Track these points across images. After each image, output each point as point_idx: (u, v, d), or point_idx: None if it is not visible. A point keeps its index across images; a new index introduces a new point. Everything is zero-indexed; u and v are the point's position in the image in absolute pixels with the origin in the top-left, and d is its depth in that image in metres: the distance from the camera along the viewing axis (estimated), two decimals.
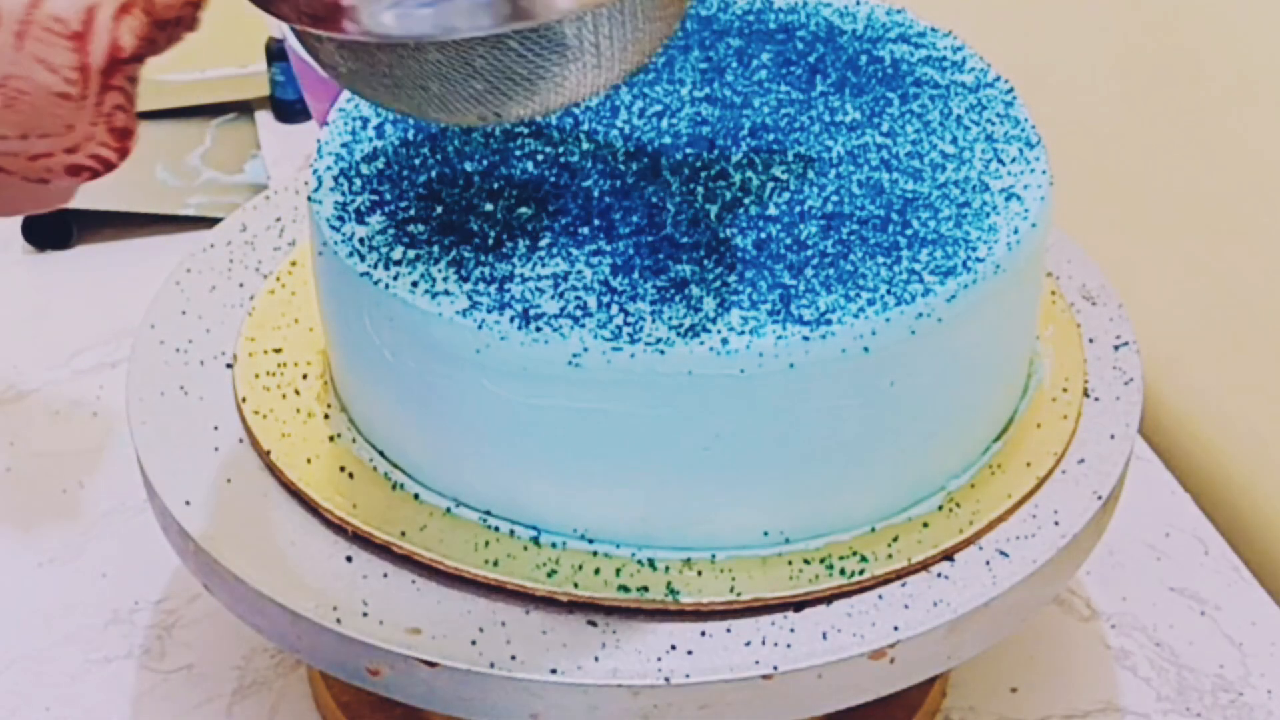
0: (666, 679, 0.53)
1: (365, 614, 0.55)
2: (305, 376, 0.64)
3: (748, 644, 0.54)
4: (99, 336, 0.92)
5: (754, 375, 0.52)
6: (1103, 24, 0.90)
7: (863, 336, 0.53)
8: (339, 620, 0.54)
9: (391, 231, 0.57)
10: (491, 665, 0.53)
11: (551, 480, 0.56)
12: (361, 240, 0.57)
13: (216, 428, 0.63)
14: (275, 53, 1.10)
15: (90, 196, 1.00)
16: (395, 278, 0.55)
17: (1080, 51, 0.93)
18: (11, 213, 0.53)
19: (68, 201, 0.53)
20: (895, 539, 0.57)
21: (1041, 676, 0.71)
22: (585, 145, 0.60)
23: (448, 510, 0.58)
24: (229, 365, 0.65)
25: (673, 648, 0.54)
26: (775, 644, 0.54)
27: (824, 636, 0.54)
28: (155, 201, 1.02)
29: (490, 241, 0.56)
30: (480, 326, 0.53)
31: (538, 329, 0.52)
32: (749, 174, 0.59)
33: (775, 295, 0.53)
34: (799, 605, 0.55)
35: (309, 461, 0.60)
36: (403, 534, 0.57)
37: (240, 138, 1.10)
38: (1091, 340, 0.67)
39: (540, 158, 0.60)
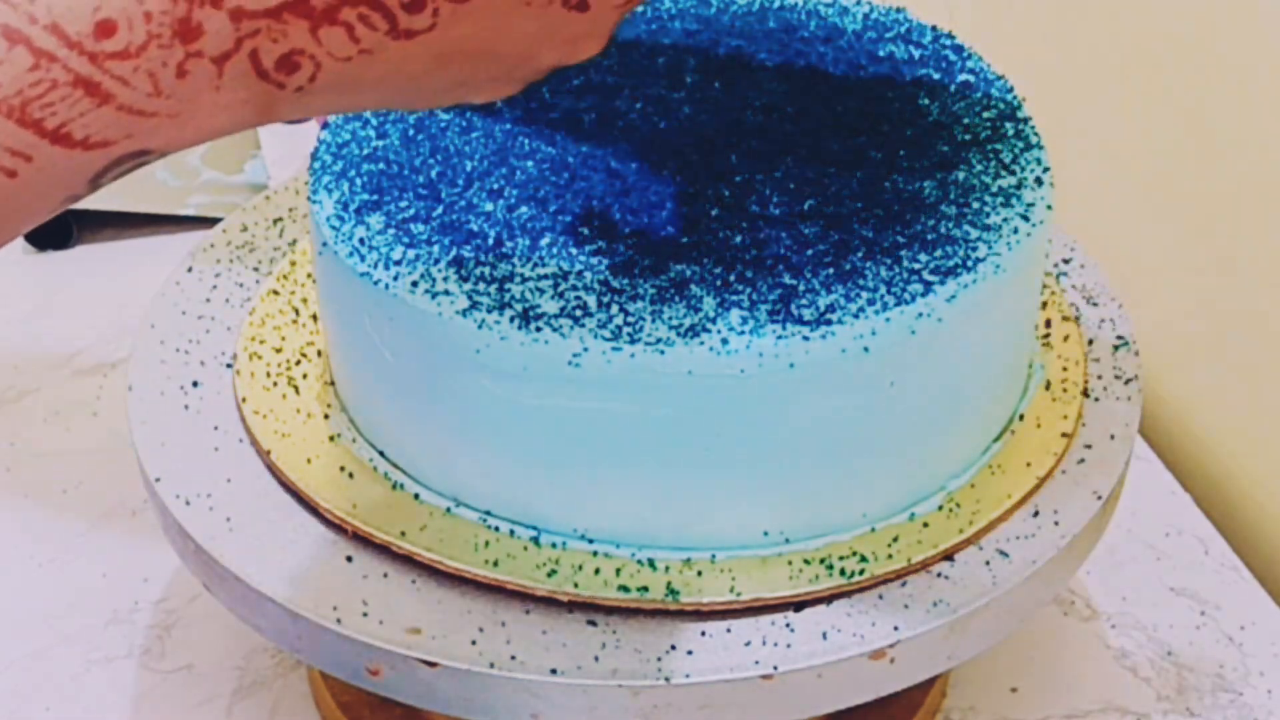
0: (666, 679, 0.53)
1: (365, 614, 0.55)
2: (305, 376, 0.64)
3: (748, 644, 0.54)
4: (99, 336, 0.92)
5: (754, 375, 0.52)
6: (1104, 24, 0.90)
7: (863, 336, 0.53)
8: (339, 620, 0.54)
9: (391, 231, 0.57)
10: (491, 665, 0.53)
11: (551, 480, 0.56)
12: (361, 240, 0.57)
13: (216, 428, 0.63)
14: None
15: (90, 196, 1.00)
16: (395, 278, 0.55)
17: (1080, 51, 0.93)
18: (557, 60, 0.46)
19: (600, 49, 0.46)
20: (895, 539, 0.57)
21: (1041, 676, 0.71)
22: (585, 145, 0.60)
23: (448, 510, 0.58)
24: (229, 365, 0.65)
25: (673, 648, 0.54)
26: (775, 644, 0.54)
27: (824, 636, 0.54)
28: (155, 201, 1.02)
29: (490, 241, 0.56)
30: (480, 326, 0.53)
31: (538, 329, 0.52)
32: (749, 174, 0.59)
33: (775, 295, 0.53)
34: (799, 605, 0.55)
35: (309, 461, 0.60)
36: (403, 534, 0.57)
37: (240, 138, 1.10)
38: (1091, 340, 0.67)
39: (540, 157, 0.60)
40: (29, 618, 0.74)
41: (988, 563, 0.57)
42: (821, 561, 0.56)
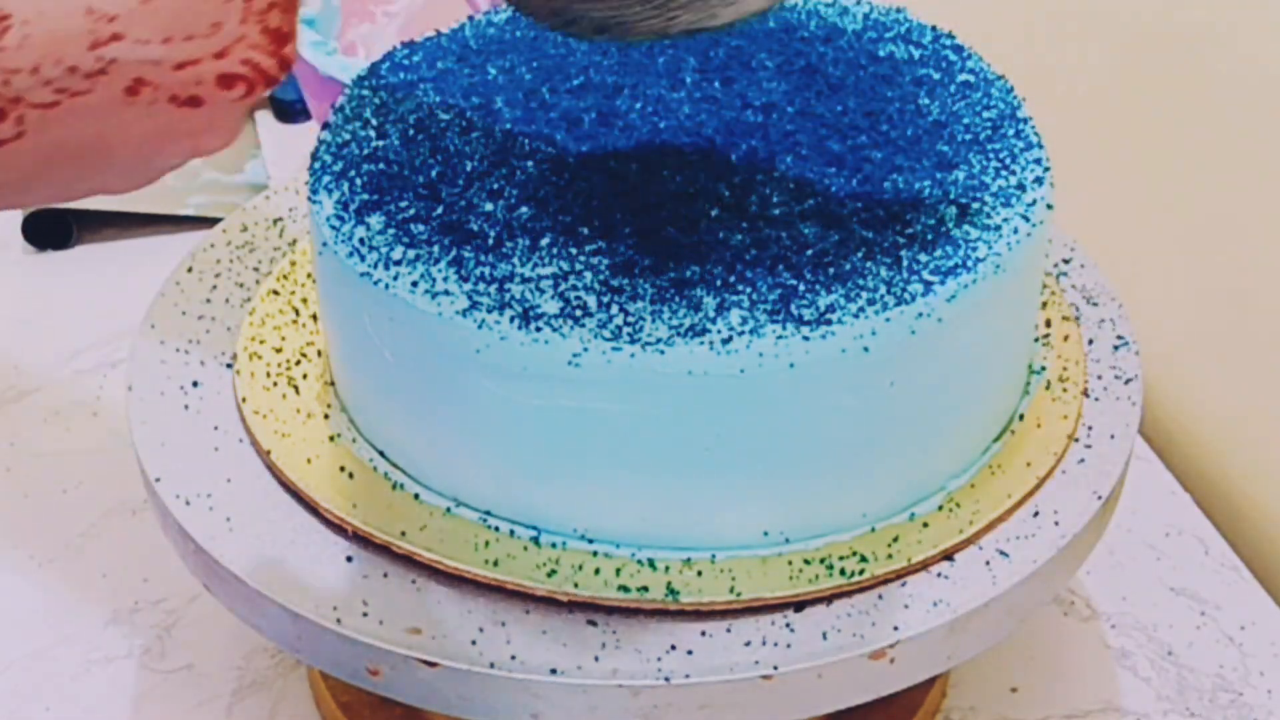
0: (666, 679, 0.53)
1: (365, 614, 0.55)
2: (305, 376, 0.64)
3: (748, 644, 0.54)
4: (99, 336, 0.92)
5: (754, 375, 0.52)
6: (1103, 24, 0.90)
7: (863, 336, 0.53)
8: (339, 620, 0.54)
9: (391, 231, 0.57)
10: (491, 665, 0.53)
11: (551, 480, 0.56)
12: (361, 240, 0.57)
13: (216, 428, 0.63)
14: None
15: (90, 196, 1.00)
16: (395, 278, 0.55)
17: (1080, 51, 0.93)
18: (182, 155, 0.46)
19: (228, 143, 0.46)
20: (895, 539, 0.57)
21: (1041, 676, 0.71)
22: (585, 145, 0.60)
23: (448, 510, 0.58)
24: (229, 365, 0.65)
25: (673, 648, 0.54)
26: (775, 644, 0.54)
27: (824, 636, 0.54)
28: (155, 201, 1.02)
29: (490, 241, 0.56)
30: (480, 326, 0.53)
31: (538, 329, 0.52)
32: (749, 174, 0.59)
33: (775, 295, 0.53)
34: (799, 605, 0.55)
35: (309, 461, 0.60)
36: (403, 534, 0.57)
37: (240, 138, 1.10)
38: (1091, 340, 0.67)
39: (540, 158, 0.60)
40: (29, 618, 0.74)
41: (988, 563, 0.57)
42: (821, 561, 0.56)
